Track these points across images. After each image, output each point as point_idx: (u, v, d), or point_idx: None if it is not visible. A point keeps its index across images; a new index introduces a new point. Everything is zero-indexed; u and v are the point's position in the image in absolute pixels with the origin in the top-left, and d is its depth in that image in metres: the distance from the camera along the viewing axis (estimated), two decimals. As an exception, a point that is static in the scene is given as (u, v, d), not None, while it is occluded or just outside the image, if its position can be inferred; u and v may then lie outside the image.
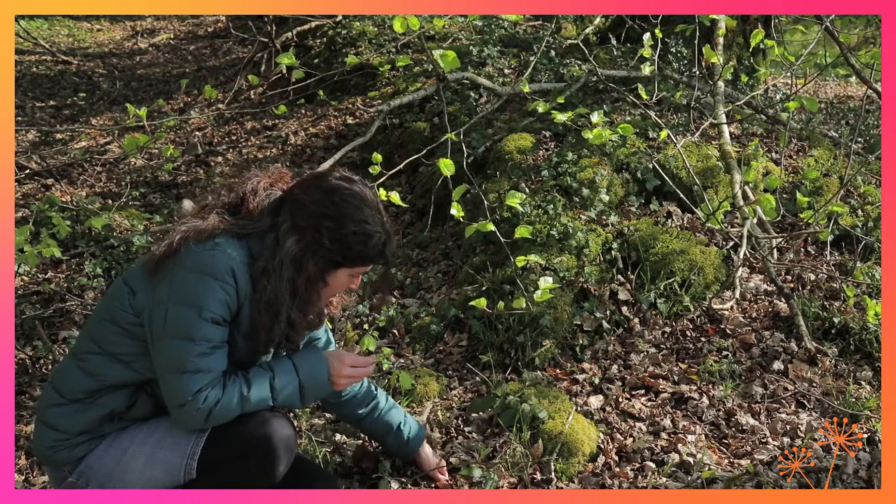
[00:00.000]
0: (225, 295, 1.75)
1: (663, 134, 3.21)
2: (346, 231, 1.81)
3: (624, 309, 3.36)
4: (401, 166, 3.44)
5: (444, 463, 2.48)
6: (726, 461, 2.64)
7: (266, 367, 1.87)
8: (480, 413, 2.83)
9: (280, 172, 1.94)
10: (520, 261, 2.43)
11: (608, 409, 2.91)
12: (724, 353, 3.18)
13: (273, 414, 1.88)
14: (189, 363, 1.74)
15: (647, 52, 3.24)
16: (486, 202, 3.20)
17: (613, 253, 3.54)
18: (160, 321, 1.76)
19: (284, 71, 3.96)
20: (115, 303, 1.84)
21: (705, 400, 2.93)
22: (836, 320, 3.25)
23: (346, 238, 1.81)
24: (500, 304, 2.20)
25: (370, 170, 2.94)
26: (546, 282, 2.22)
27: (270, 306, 1.79)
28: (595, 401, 2.94)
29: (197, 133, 6.29)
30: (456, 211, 2.39)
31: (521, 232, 2.35)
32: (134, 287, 1.82)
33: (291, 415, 2.89)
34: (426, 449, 2.45)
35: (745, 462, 2.61)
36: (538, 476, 2.54)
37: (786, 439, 2.74)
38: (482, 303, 2.07)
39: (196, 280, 1.73)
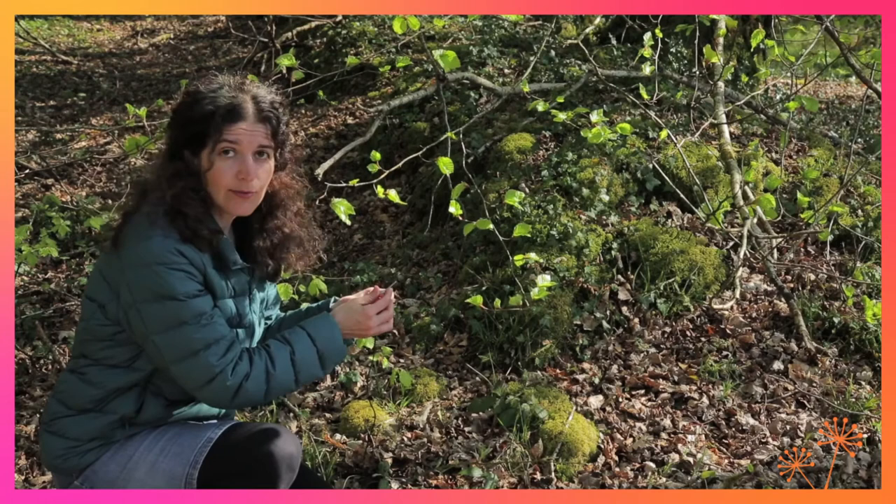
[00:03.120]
0: (184, 273, 1.70)
1: (663, 134, 3.21)
2: (178, 107, 1.77)
3: (624, 309, 3.36)
4: (399, 165, 3.44)
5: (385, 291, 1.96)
6: (726, 461, 2.64)
7: (283, 340, 1.81)
8: (480, 413, 2.83)
9: None
10: (518, 259, 2.42)
11: (608, 409, 2.91)
12: (724, 353, 3.18)
13: (280, 429, 1.86)
14: (195, 343, 1.70)
15: (647, 52, 3.24)
16: (485, 202, 3.20)
17: (613, 253, 3.54)
18: (140, 324, 1.72)
19: (284, 71, 3.96)
20: (92, 322, 1.80)
21: (705, 400, 2.93)
22: (836, 320, 3.25)
23: (178, 113, 1.77)
24: (497, 302, 2.18)
25: (369, 168, 2.93)
26: (544, 280, 2.21)
27: (176, 218, 1.73)
28: (595, 401, 2.94)
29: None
30: (454, 209, 2.37)
31: (520, 230, 2.34)
32: (100, 300, 1.78)
33: (291, 414, 2.90)
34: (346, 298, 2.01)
35: (745, 462, 2.61)
36: (538, 476, 2.54)
37: (786, 439, 2.74)
38: (478, 300, 2.05)
39: (150, 274, 1.68)
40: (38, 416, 2.91)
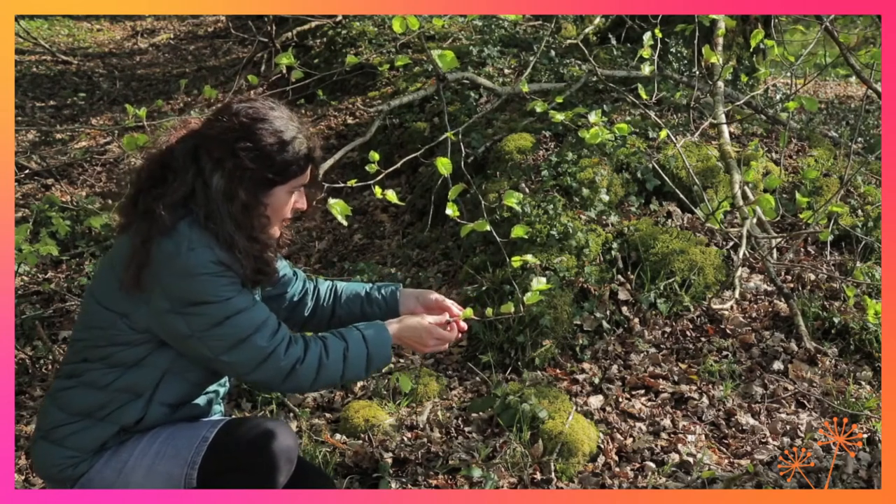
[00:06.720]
0: (225, 279, 1.74)
1: (663, 134, 3.21)
2: (264, 144, 1.75)
3: (624, 309, 3.36)
4: (398, 165, 3.43)
5: (449, 303, 2.10)
6: (726, 461, 2.64)
7: (338, 336, 1.86)
8: (480, 413, 2.83)
9: (186, 122, 1.87)
10: (516, 261, 2.42)
11: (608, 409, 2.91)
12: (724, 353, 3.18)
13: (275, 422, 1.87)
14: (242, 330, 1.74)
15: (646, 52, 3.24)
16: (484, 202, 3.20)
17: (613, 253, 3.53)
18: (183, 327, 1.73)
19: (284, 71, 3.97)
20: (110, 331, 1.78)
21: (705, 400, 2.93)
22: (836, 320, 3.25)
23: (265, 151, 1.76)
24: (489, 311, 2.17)
25: (367, 168, 2.93)
26: (539, 282, 2.19)
27: (226, 245, 1.75)
28: (595, 401, 2.94)
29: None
30: (451, 211, 2.37)
31: (518, 231, 2.33)
32: (120, 310, 1.77)
33: (291, 414, 2.90)
34: (414, 294, 2.15)
35: (745, 462, 2.61)
36: (538, 476, 2.54)
37: (786, 439, 2.74)
38: (469, 313, 2.04)
39: (193, 282, 1.71)
40: (38, 416, 2.91)
